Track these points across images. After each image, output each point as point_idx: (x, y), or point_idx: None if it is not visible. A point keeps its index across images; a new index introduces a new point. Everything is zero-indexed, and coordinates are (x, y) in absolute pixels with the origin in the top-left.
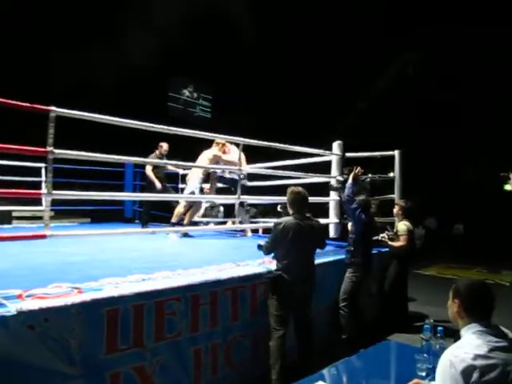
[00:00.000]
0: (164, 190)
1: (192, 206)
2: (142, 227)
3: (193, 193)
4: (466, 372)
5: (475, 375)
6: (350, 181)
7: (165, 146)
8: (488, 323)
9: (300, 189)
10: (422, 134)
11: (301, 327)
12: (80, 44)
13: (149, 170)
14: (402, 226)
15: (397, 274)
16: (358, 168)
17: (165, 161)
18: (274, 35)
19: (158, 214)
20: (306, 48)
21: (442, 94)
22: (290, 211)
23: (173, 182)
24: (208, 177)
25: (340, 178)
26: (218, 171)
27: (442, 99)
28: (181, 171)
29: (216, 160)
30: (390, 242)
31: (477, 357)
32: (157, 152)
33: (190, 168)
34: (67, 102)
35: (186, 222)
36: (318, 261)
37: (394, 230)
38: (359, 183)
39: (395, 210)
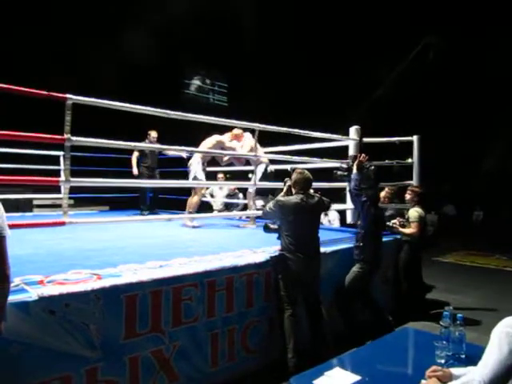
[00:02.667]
0: (150, 177)
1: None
2: (140, 213)
3: (195, 178)
4: None
5: None
6: (354, 171)
7: (153, 133)
8: None
9: (305, 170)
10: (442, 119)
11: (310, 310)
12: (94, 34)
13: (133, 157)
14: (414, 212)
15: (408, 260)
16: (363, 155)
17: (174, 146)
18: (290, 20)
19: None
20: (322, 33)
21: (464, 78)
22: (294, 190)
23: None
24: (213, 160)
25: (344, 165)
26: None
27: (463, 84)
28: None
29: (219, 146)
30: (400, 229)
31: None
32: (146, 141)
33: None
34: (79, 91)
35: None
36: (335, 247)
37: (406, 217)
38: (364, 172)
39: (409, 196)
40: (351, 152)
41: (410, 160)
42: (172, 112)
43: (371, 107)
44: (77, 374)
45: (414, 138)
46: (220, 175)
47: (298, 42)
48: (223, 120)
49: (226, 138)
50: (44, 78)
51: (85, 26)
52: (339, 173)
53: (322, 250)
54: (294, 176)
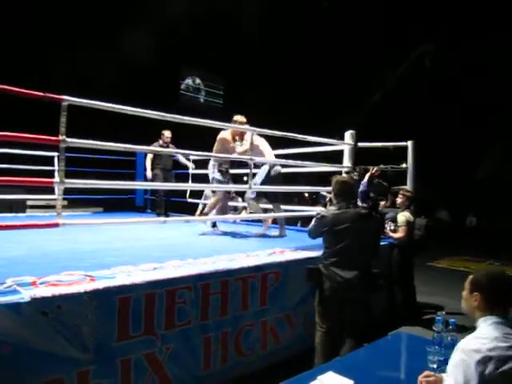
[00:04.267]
0: (165, 180)
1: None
2: (157, 216)
3: (213, 179)
4: (482, 362)
5: (490, 366)
6: (365, 179)
7: (166, 133)
8: (506, 315)
9: (346, 178)
10: (437, 125)
11: (348, 330)
12: (90, 35)
13: (148, 159)
14: (402, 217)
15: (399, 264)
16: (375, 168)
17: (175, 150)
18: (288, 23)
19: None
20: (319, 37)
21: (459, 84)
22: (335, 201)
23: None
24: (232, 163)
25: (355, 177)
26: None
27: (459, 90)
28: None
29: (221, 143)
30: (390, 233)
31: (493, 348)
32: (160, 141)
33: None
34: (75, 91)
35: (208, 211)
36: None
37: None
38: (373, 184)
39: (400, 200)
40: (346, 156)
41: (404, 165)
42: (168, 115)
43: (368, 112)
44: (68, 377)
45: (409, 144)
46: None
47: (295, 45)
48: (219, 123)
49: (229, 135)
50: (42, 78)
51: (80, 27)
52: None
53: (316, 253)
54: (335, 187)
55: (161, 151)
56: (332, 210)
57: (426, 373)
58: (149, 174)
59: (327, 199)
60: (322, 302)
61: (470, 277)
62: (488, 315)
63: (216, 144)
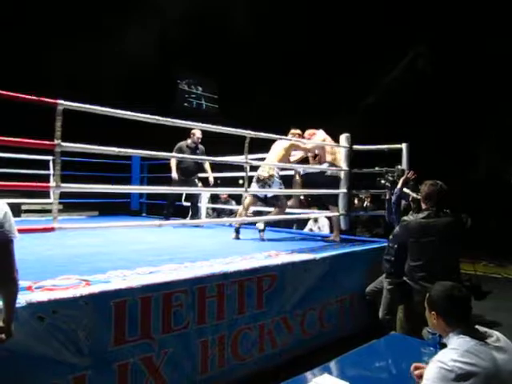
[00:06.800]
0: (185, 183)
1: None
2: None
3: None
4: (457, 378)
5: (462, 382)
6: (399, 186)
7: (197, 133)
8: (468, 326)
9: (437, 181)
10: (432, 126)
11: None
12: (82, 37)
13: (172, 160)
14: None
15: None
16: (411, 172)
17: (174, 154)
18: (283, 23)
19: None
20: (314, 40)
21: (453, 86)
22: (424, 205)
23: None
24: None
25: (390, 178)
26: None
27: (453, 91)
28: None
29: (293, 148)
30: None
31: (462, 363)
32: (188, 141)
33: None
34: (71, 95)
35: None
36: (325, 254)
37: None
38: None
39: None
40: (342, 159)
41: (399, 167)
42: (162, 118)
43: (363, 114)
44: (64, 382)
45: (403, 146)
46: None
47: (290, 48)
48: (213, 127)
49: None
50: (40, 78)
51: (74, 30)
52: (382, 181)
53: (311, 256)
54: (424, 188)
55: (157, 155)
56: (419, 216)
57: (416, 364)
58: (174, 175)
59: (410, 198)
60: (406, 320)
61: (427, 295)
62: (453, 330)
63: (283, 151)
